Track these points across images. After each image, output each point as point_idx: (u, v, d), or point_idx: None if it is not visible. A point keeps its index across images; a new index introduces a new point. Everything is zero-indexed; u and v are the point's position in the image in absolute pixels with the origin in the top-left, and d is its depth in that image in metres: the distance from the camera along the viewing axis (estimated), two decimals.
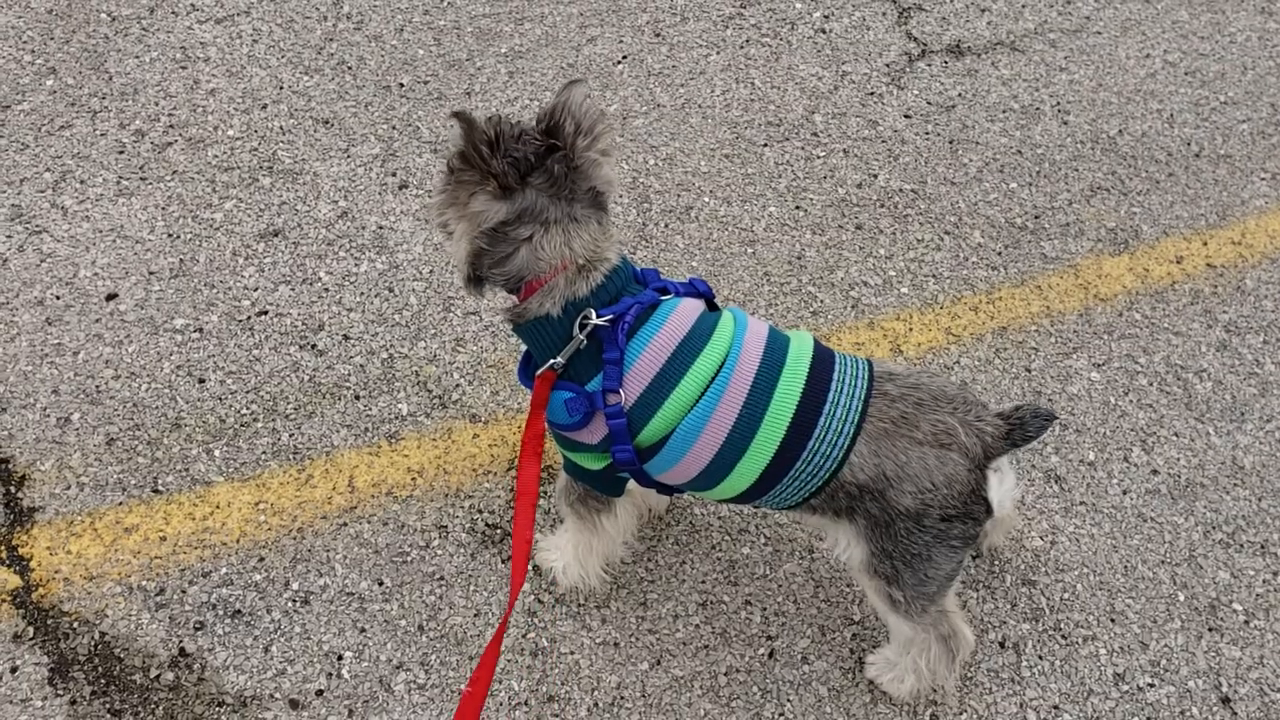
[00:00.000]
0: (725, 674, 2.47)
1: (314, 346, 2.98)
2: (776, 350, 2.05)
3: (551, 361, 2.03)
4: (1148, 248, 3.36)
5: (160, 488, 2.69)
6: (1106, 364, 3.06)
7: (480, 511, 2.70)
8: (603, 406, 2.02)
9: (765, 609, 2.58)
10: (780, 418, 1.99)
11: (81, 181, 3.30)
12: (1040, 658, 2.53)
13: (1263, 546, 2.74)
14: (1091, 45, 4.01)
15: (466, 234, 2.03)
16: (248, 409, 2.84)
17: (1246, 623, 2.61)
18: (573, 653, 2.48)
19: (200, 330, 2.99)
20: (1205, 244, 3.38)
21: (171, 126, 3.47)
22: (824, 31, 3.94)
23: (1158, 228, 3.41)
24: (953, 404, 2.04)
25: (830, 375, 2.02)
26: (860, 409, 1.99)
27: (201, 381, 2.89)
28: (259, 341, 2.98)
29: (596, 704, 2.41)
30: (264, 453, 2.77)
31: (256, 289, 3.09)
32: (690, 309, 2.06)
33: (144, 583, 2.52)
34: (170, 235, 3.19)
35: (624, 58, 3.80)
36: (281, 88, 3.61)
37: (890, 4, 4.08)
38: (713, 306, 2.16)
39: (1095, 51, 3.99)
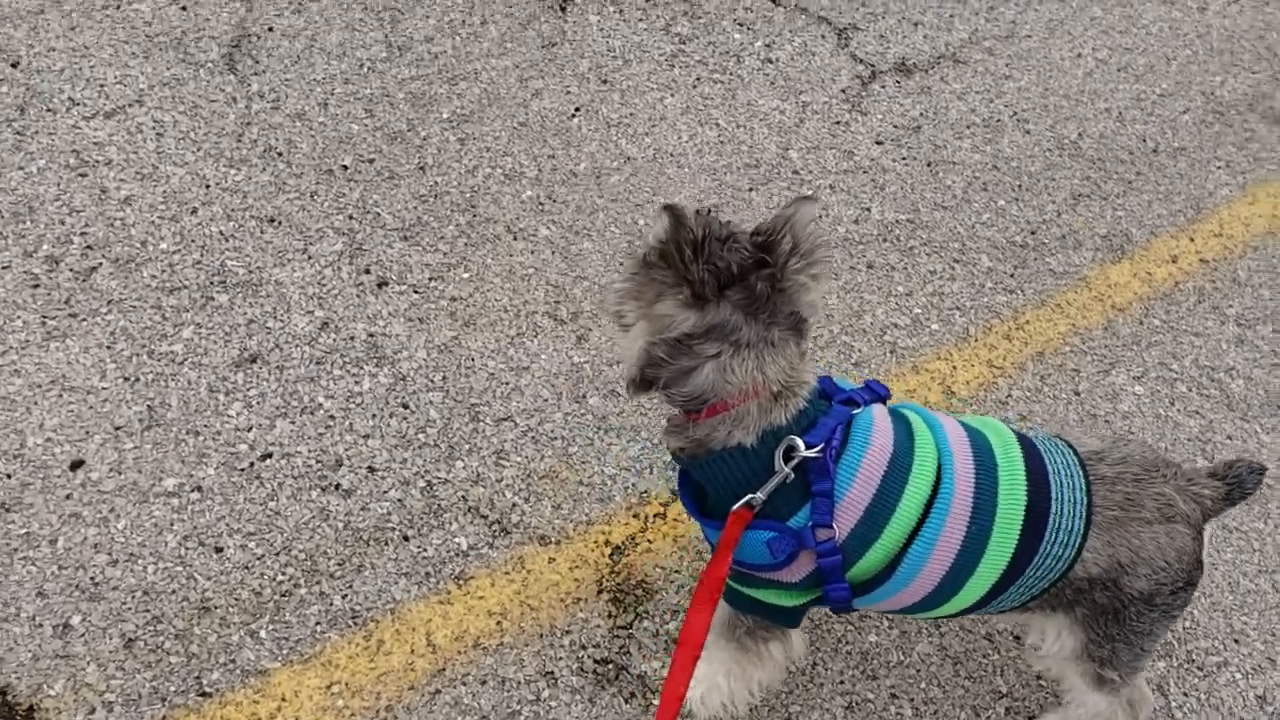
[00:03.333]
0: None
1: (338, 487, 2.59)
2: (983, 451, 1.88)
3: (749, 498, 1.80)
4: (1143, 250, 3.39)
5: (208, 688, 2.26)
6: (1144, 376, 3.06)
7: (584, 647, 2.41)
8: (813, 544, 1.80)
9: (913, 699, 2.41)
10: (1010, 528, 1.82)
11: None
12: (1185, 695, 2.48)
13: None
14: (1026, 50, 4.04)
15: (644, 334, 1.78)
16: (284, 574, 2.44)
17: None
18: None
19: (199, 489, 2.55)
20: (1192, 240, 3.44)
21: (90, 247, 2.97)
22: (771, 61, 3.80)
23: (1145, 229, 3.45)
24: (1162, 472, 1.93)
25: (1045, 468, 1.87)
26: (1086, 501, 1.85)
27: (219, 550, 2.46)
28: (272, 491, 2.57)
29: None
30: (318, 623, 2.38)
31: (250, 428, 2.67)
32: (886, 422, 1.86)
33: None
34: (127, 379, 2.71)
35: (577, 110, 3.53)
36: (208, 186, 3.15)
37: (826, 26, 3.98)
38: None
39: (1031, 56, 4.02)
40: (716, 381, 1.77)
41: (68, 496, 2.50)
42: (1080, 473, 1.88)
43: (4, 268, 2.89)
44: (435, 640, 2.38)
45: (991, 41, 4.02)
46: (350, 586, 2.44)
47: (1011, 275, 3.26)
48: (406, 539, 2.52)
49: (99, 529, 2.46)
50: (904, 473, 1.81)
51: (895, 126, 3.65)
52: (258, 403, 2.71)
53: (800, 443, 1.78)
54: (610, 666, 2.38)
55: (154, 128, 3.28)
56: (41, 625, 2.31)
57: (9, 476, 2.52)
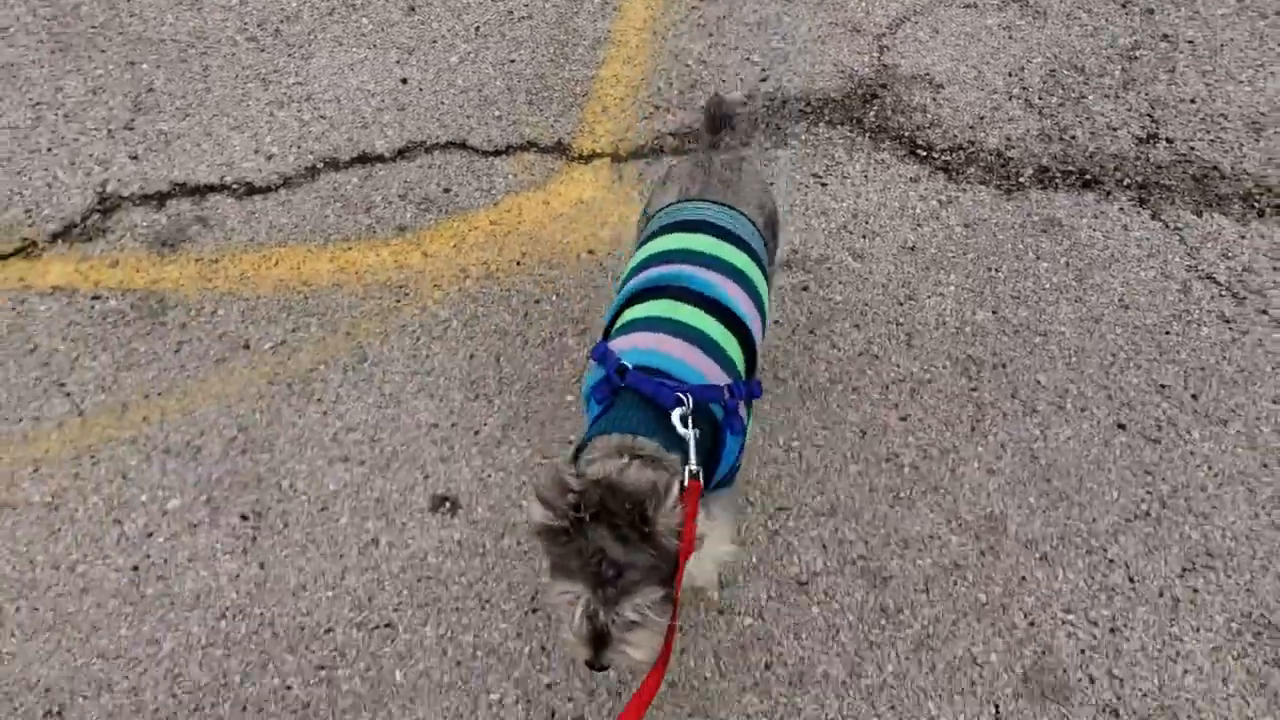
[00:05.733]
0: None
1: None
2: (706, 257, 2.65)
3: (689, 469, 2.30)
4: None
5: None
6: None
7: None
8: (730, 400, 2.43)
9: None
10: (744, 262, 2.67)
11: None
12: None
13: None
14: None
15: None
16: None
17: None
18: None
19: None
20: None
21: None
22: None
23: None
24: (706, 161, 2.92)
25: (706, 220, 2.70)
26: (718, 212, 2.74)
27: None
28: None
29: None
30: None
31: None
32: (633, 336, 2.51)
33: None
34: None
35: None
36: None
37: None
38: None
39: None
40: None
41: None
42: (706, 204, 2.76)
43: None
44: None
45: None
46: None
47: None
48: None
49: None
50: (694, 333, 2.49)
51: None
52: None
53: (675, 416, 2.34)
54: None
55: None
56: None
57: None
